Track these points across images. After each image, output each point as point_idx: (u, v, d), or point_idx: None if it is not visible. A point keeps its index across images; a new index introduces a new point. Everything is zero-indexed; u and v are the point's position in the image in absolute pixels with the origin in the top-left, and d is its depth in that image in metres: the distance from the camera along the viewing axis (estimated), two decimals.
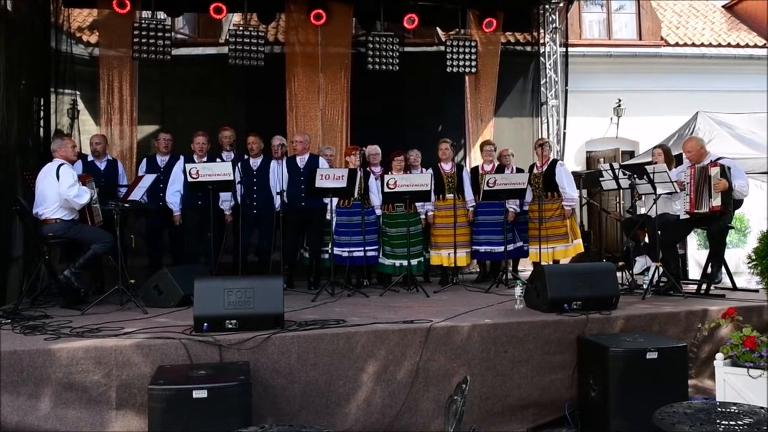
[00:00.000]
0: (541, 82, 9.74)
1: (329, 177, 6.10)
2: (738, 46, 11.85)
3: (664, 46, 11.68)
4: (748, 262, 5.27)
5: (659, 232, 5.93)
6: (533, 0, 9.47)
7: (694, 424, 2.63)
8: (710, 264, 6.07)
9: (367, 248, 6.76)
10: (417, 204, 6.88)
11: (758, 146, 8.11)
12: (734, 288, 6.04)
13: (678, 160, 6.63)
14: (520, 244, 7.41)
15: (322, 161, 6.96)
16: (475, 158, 8.83)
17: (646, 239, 6.74)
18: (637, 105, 11.06)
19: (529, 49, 9.86)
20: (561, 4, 9.50)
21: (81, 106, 8.56)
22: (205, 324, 4.17)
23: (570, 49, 9.80)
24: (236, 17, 9.00)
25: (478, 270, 7.82)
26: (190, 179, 6.07)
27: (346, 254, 6.80)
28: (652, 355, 4.17)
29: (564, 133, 9.65)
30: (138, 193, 6.04)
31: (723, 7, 13.32)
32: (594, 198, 9.43)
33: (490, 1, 9.13)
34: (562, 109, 9.63)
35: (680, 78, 11.27)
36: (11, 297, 5.99)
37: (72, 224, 5.60)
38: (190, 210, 6.70)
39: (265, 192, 6.89)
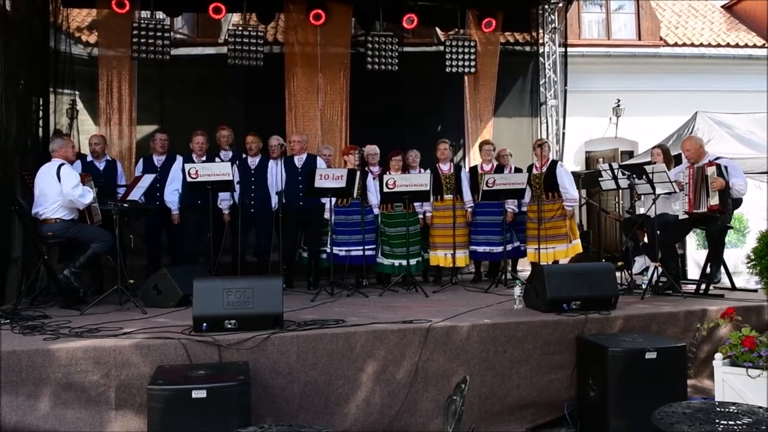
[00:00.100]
0: (541, 82, 9.74)
1: (328, 177, 6.10)
2: (737, 46, 11.85)
3: (663, 46, 11.68)
4: (747, 262, 5.26)
5: (658, 232, 5.93)
6: (532, 0, 9.47)
7: (693, 424, 2.63)
8: (709, 264, 6.07)
9: (367, 247, 6.76)
10: (415, 204, 6.88)
11: (757, 146, 8.12)
12: (733, 288, 6.05)
13: (677, 160, 6.63)
14: (517, 244, 7.42)
15: (320, 161, 6.96)
16: (474, 158, 8.84)
17: (645, 239, 6.74)
18: (636, 105, 11.06)
19: (528, 49, 9.86)
20: (560, 4, 9.51)
21: (80, 106, 8.56)
22: (205, 324, 4.18)
23: (569, 49, 9.80)
24: (235, 17, 8.99)
25: (474, 270, 7.80)
26: (189, 179, 6.07)
27: (343, 253, 6.80)
28: (651, 355, 4.17)
29: (563, 133, 9.65)
30: (137, 193, 6.04)
31: (722, 7, 13.33)
32: (593, 198, 9.43)
33: (490, 1, 9.13)
34: (562, 109, 9.64)
35: (679, 78, 11.28)
36: (10, 297, 5.98)
37: (72, 224, 5.60)
38: (188, 209, 6.69)
39: (262, 192, 6.90)
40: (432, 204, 7.08)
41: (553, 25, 9.59)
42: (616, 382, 4.14)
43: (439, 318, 4.62)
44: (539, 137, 9.22)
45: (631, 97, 11.07)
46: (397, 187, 6.31)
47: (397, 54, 8.61)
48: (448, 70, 8.91)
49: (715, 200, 5.65)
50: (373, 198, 6.93)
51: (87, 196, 5.55)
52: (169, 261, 6.95)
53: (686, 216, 5.92)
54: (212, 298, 4.24)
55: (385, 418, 4.23)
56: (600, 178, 6.72)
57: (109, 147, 7.68)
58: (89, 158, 6.86)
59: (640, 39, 11.69)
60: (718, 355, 4.30)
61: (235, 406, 3.46)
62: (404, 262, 6.81)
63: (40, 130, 7.53)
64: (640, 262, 7.08)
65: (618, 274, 5.88)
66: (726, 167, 5.76)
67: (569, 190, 7.29)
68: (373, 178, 6.99)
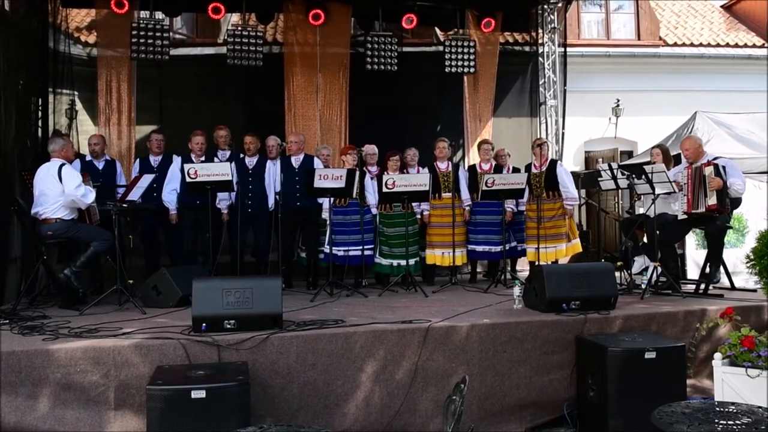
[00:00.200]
0: (540, 82, 9.74)
1: (328, 177, 6.10)
2: (736, 46, 11.85)
3: (662, 46, 11.69)
4: (747, 262, 5.27)
5: (657, 232, 5.94)
6: (532, 0, 9.47)
7: (692, 424, 2.63)
8: (709, 264, 6.07)
9: (365, 247, 6.75)
10: (413, 203, 6.88)
11: (757, 146, 8.12)
12: (732, 288, 6.04)
13: (676, 160, 6.63)
14: (514, 244, 7.41)
15: (317, 161, 6.96)
16: (473, 158, 8.83)
17: (645, 239, 6.74)
18: (635, 105, 11.06)
19: (527, 49, 9.86)
20: (559, 4, 9.50)
21: (79, 106, 8.55)
22: (204, 324, 4.17)
23: (568, 49, 9.79)
24: (234, 17, 8.99)
25: (470, 270, 7.80)
26: (188, 179, 6.07)
27: (342, 253, 6.79)
28: (650, 355, 4.17)
29: (562, 133, 9.65)
30: (136, 194, 6.04)
31: (721, 7, 13.33)
32: (592, 198, 9.43)
33: (489, 2, 9.12)
34: (561, 109, 9.64)
35: (679, 78, 11.28)
36: (9, 297, 5.97)
37: (72, 224, 5.61)
38: (187, 209, 6.69)
39: (259, 192, 6.90)
40: (429, 202, 7.07)
41: (553, 25, 9.58)
42: (615, 382, 4.15)
43: (438, 318, 4.62)
44: (538, 137, 9.21)
45: (630, 97, 11.08)
46: (397, 187, 6.31)
47: (396, 54, 8.61)
48: (447, 70, 8.90)
49: (713, 200, 5.65)
50: (371, 198, 6.92)
51: (89, 195, 5.57)
52: (168, 261, 6.94)
53: (685, 216, 5.92)
54: (211, 298, 4.24)
55: (385, 418, 4.23)
56: (599, 178, 6.72)
57: (109, 147, 7.67)
58: (88, 158, 6.85)
59: (639, 39, 11.70)
60: (718, 355, 4.31)
61: (235, 407, 3.46)
62: (403, 262, 6.82)
63: (39, 130, 7.53)
64: (639, 262, 7.08)
65: (617, 274, 5.88)
66: (724, 167, 5.76)
67: (570, 189, 7.33)
68: (371, 178, 6.98)
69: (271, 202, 6.88)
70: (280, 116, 8.54)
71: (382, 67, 8.56)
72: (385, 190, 6.32)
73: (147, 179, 6.16)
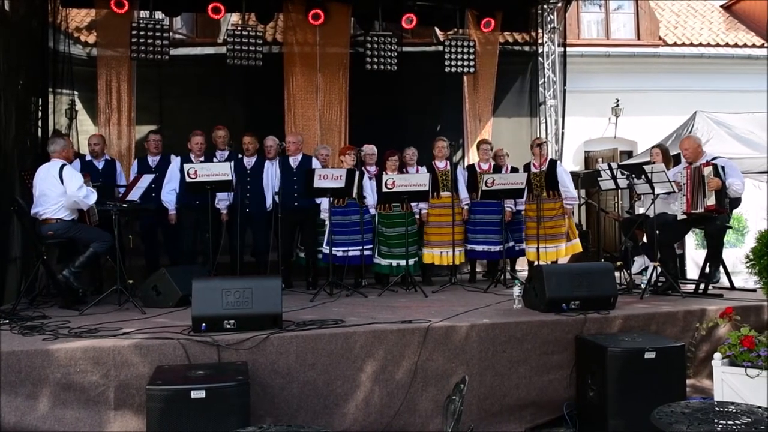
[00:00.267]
0: (540, 82, 9.74)
1: (327, 177, 6.10)
2: (736, 45, 11.85)
3: (662, 46, 11.69)
4: (746, 262, 5.27)
5: (657, 231, 5.94)
6: (531, 0, 9.47)
7: (691, 424, 2.63)
8: (708, 264, 6.07)
9: (364, 247, 6.75)
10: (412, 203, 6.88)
11: (756, 146, 8.13)
12: (732, 287, 6.05)
13: (676, 160, 6.64)
14: (511, 243, 7.40)
15: (315, 161, 6.96)
16: (473, 158, 8.83)
17: (644, 239, 6.75)
18: (635, 105, 11.06)
19: (527, 49, 9.86)
20: (559, 4, 9.50)
21: (79, 106, 8.56)
22: (204, 324, 4.17)
23: (568, 49, 9.79)
24: (234, 17, 8.99)
25: (469, 270, 7.80)
26: (188, 179, 6.07)
27: (341, 253, 6.78)
28: (650, 355, 4.17)
29: (562, 133, 9.65)
30: (136, 194, 6.04)
31: (721, 6, 13.33)
32: (592, 198, 9.44)
33: (489, 2, 9.13)
34: (561, 109, 9.64)
35: (678, 78, 11.28)
36: (9, 297, 5.97)
37: (72, 224, 5.61)
38: (186, 209, 6.69)
39: (258, 192, 6.90)
40: (428, 201, 7.05)
41: (552, 25, 9.59)
42: (615, 382, 4.15)
43: (438, 318, 4.62)
44: (537, 137, 9.21)
45: (630, 96, 11.08)
46: (397, 187, 6.31)
47: (396, 54, 8.61)
48: (447, 70, 8.90)
49: (711, 200, 5.65)
50: (370, 198, 6.92)
51: (91, 197, 5.57)
52: (168, 261, 6.94)
53: (685, 216, 5.92)
54: (211, 298, 4.24)
55: (384, 417, 4.23)
56: (599, 178, 6.72)
57: (108, 147, 7.67)
58: (88, 158, 6.85)
59: (639, 39, 11.70)
60: (717, 355, 4.31)
61: (234, 407, 3.46)
62: (402, 262, 6.82)
63: (39, 130, 7.53)
64: (639, 261, 7.09)
65: (617, 273, 5.88)
66: (723, 167, 5.76)
67: (570, 188, 7.36)
68: (370, 179, 6.97)
69: (269, 202, 6.89)
70: (279, 116, 8.54)
71: (382, 67, 8.57)
72: (385, 190, 6.32)
73: (147, 179, 6.17)
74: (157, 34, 7.91)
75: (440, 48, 9.17)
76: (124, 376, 3.88)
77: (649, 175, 5.83)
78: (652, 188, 5.85)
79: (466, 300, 5.77)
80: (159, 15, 8.24)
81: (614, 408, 4.15)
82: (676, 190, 5.87)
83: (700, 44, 11.78)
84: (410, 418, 4.29)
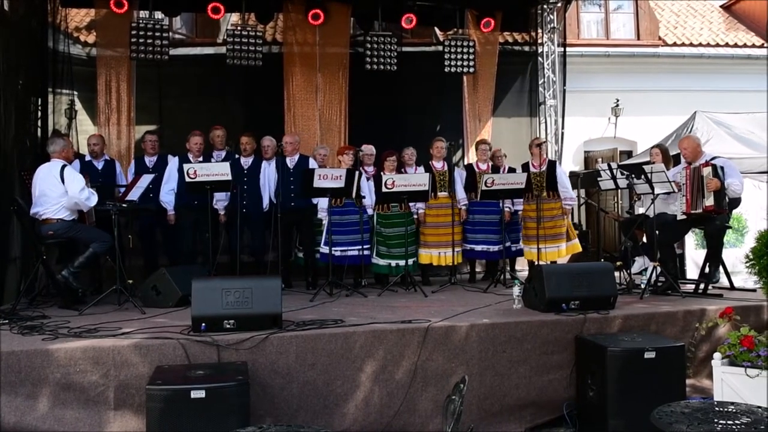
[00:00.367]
0: (539, 82, 9.75)
1: (327, 177, 6.10)
2: (736, 45, 11.86)
3: (662, 46, 11.69)
4: (746, 262, 5.27)
5: (657, 231, 5.94)
6: (531, 0, 9.47)
7: (691, 424, 2.63)
8: (708, 263, 6.08)
9: (361, 247, 6.74)
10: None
11: (756, 146, 8.13)
12: (732, 287, 6.05)
13: (676, 160, 6.64)
14: (508, 243, 7.40)
15: (312, 162, 6.96)
16: (472, 158, 8.83)
17: (644, 239, 6.75)
18: (635, 105, 11.07)
19: (527, 49, 9.86)
20: (559, 4, 9.51)
21: (78, 106, 8.55)
22: (203, 324, 4.17)
23: (568, 48, 9.80)
24: (234, 17, 8.99)
25: (469, 270, 7.79)
26: (187, 179, 6.07)
27: (339, 253, 6.77)
28: (650, 355, 4.17)
29: (562, 133, 9.66)
30: (136, 194, 6.04)
31: (721, 6, 13.33)
32: (592, 198, 9.44)
33: (488, 1, 9.13)
34: (560, 109, 9.64)
35: (678, 78, 11.28)
36: (9, 297, 5.97)
37: (72, 224, 5.62)
38: (185, 209, 6.68)
39: (255, 192, 6.89)
40: (428, 201, 7.05)
41: (552, 25, 9.59)
42: (614, 382, 4.15)
43: (438, 318, 4.62)
44: (537, 136, 9.21)
45: (629, 96, 11.08)
46: (396, 187, 6.31)
47: (395, 54, 8.61)
48: (446, 70, 8.90)
49: (710, 201, 5.65)
50: (368, 198, 6.91)
51: (92, 198, 5.58)
52: (167, 261, 6.94)
53: (684, 216, 5.92)
54: (211, 298, 4.23)
55: (384, 417, 4.23)
56: (599, 178, 6.73)
57: (108, 147, 7.67)
58: (88, 158, 6.85)
59: (638, 39, 11.70)
60: (717, 355, 4.31)
61: (234, 407, 3.46)
62: (401, 262, 6.82)
63: (39, 130, 7.53)
64: (639, 261, 7.09)
65: (617, 273, 5.88)
66: (722, 167, 5.76)
67: (569, 189, 7.40)
68: (367, 179, 6.96)
69: (265, 202, 6.89)
70: (279, 116, 8.54)
71: (382, 67, 8.57)
72: (385, 189, 6.32)
73: (146, 179, 6.16)
74: (157, 34, 7.91)
75: (440, 48, 9.17)
76: (123, 376, 3.88)
77: (649, 175, 5.83)
78: (652, 188, 5.85)
79: (465, 300, 5.77)
80: (158, 15, 8.24)
81: (614, 408, 4.15)
82: (676, 190, 5.87)
83: (700, 44, 11.78)
84: (410, 418, 4.28)
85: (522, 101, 9.89)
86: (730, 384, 4.17)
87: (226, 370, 3.77)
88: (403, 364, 4.30)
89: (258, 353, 4.06)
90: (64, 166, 5.55)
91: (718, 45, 11.81)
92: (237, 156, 7.00)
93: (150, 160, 7.01)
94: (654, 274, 5.93)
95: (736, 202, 6.08)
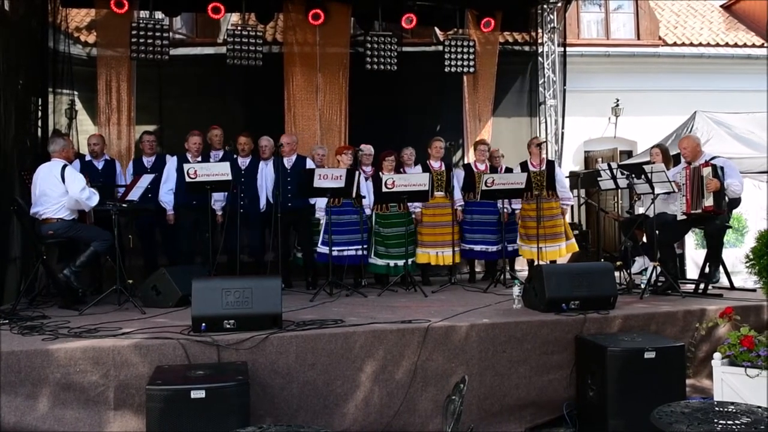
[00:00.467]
0: (539, 82, 9.75)
1: (328, 177, 6.10)
2: (736, 45, 11.86)
3: (662, 45, 11.70)
4: (746, 262, 5.27)
5: (657, 231, 5.94)
6: (531, 0, 9.47)
7: (691, 424, 2.63)
8: (708, 263, 6.07)
9: (358, 247, 6.74)
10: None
11: (756, 146, 8.13)
12: (732, 287, 6.05)
13: (676, 160, 6.64)
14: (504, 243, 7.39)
15: (309, 162, 6.96)
16: (472, 158, 8.83)
17: (644, 239, 6.75)
18: (635, 105, 11.07)
19: (527, 48, 9.86)
20: (559, 4, 9.50)
21: (79, 106, 8.55)
22: (203, 324, 4.17)
23: (568, 48, 9.80)
24: (234, 17, 8.98)
25: (469, 270, 7.79)
26: (188, 179, 6.07)
27: (335, 253, 6.75)
28: (650, 355, 4.17)
29: (562, 133, 9.66)
30: (136, 193, 6.04)
31: (721, 6, 13.34)
32: (592, 198, 9.44)
33: (489, 1, 9.13)
34: (560, 109, 9.64)
35: (678, 78, 11.29)
36: (9, 297, 5.97)
37: (72, 224, 5.62)
38: (184, 209, 6.68)
39: (252, 192, 6.89)
40: (428, 201, 7.03)
41: (552, 25, 9.59)
42: (614, 382, 4.15)
43: (437, 318, 4.62)
44: (536, 136, 9.20)
45: (630, 96, 11.08)
46: (397, 187, 6.31)
47: (396, 54, 8.61)
48: (447, 69, 8.90)
49: (709, 201, 5.66)
50: (366, 198, 6.91)
51: (93, 198, 5.57)
52: (166, 261, 6.94)
53: (684, 217, 5.92)
54: (211, 298, 4.23)
55: (384, 417, 4.23)
56: (599, 178, 6.73)
57: (108, 147, 7.67)
58: (88, 158, 6.85)
59: (639, 39, 11.71)
60: (717, 355, 4.31)
61: (234, 407, 3.46)
62: (399, 262, 6.82)
63: (39, 130, 7.54)
64: (639, 261, 7.09)
65: (617, 273, 5.89)
66: (722, 168, 5.76)
67: (567, 189, 7.42)
68: (366, 179, 6.96)
69: (263, 202, 6.89)
70: (279, 116, 8.54)
71: (382, 66, 8.57)
72: (385, 189, 6.32)
73: (146, 179, 6.16)
74: (157, 34, 7.91)
75: (440, 48, 9.17)
76: (123, 376, 3.88)
77: (649, 175, 5.83)
78: (652, 188, 5.85)
79: (465, 300, 5.77)
80: (159, 15, 8.24)
81: (614, 408, 4.15)
82: (676, 190, 5.87)
83: (700, 44, 11.78)
84: (410, 418, 4.29)
85: (522, 101, 9.89)
86: (730, 384, 4.17)
87: (226, 370, 3.77)
88: (403, 364, 4.30)
89: (258, 353, 4.06)
90: (64, 166, 5.56)
91: (718, 45, 11.81)
92: (234, 156, 7.00)
93: (148, 161, 7.01)
94: (654, 274, 5.93)
95: (736, 202, 6.08)
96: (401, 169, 7.09)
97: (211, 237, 6.26)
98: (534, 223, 7.14)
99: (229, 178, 6.10)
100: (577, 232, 9.20)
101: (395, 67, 8.59)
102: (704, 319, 4.92)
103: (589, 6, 11.90)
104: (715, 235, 6.03)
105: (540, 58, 9.70)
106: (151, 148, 7.05)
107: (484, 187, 6.55)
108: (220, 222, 6.79)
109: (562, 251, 7.34)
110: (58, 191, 5.49)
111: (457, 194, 7.21)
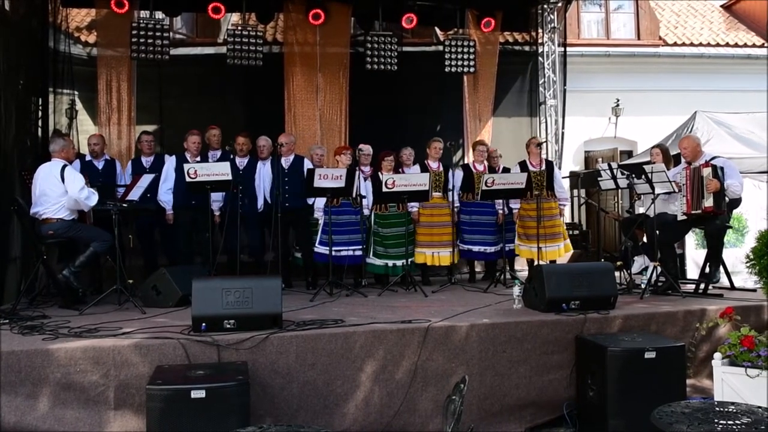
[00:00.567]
0: (540, 82, 9.75)
1: (328, 177, 6.10)
2: (736, 45, 11.86)
3: (662, 45, 11.70)
4: (746, 262, 5.27)
5: (657, 231, 5.94)
6: (531, 0, 9.47)
7: (691, 424, 2.63)
8: (708, 263, 6.07)
9: (355, 248, 6.73)
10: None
11: (756, 146, 8.12)
12: (732, 287, 6.05)
13: (676, 160, 6.64)
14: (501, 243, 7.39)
15: (307, 162, 6.95)
16: (472, 158, 8.83)
17: (644, 239, 6.75)
18: (635, 105, 11.07)
19: (527, 48, 9.88)
20: (559, 4, 9.51)
21: (79, 105, 8.57)
22: (204, 324, 4.17)
23: (568, 48, 9.81)
24: (234, 17, 9.00)
25: (469, 270, 7.79)
26: (188, 179, 6.07)
27: (334, 253, 6.74)
28: (650, 355, 4.17)
29: (562, 133, 9.67)
30: (136, 193, 6.04)
31: (721, 6, 13.34)
32: (592, 198, 9.44)
33: (489, 1, 9.13)
34: (561, 109, 9.65)
35: (678, 78, 11.29)
36: (9, 297, 5.98)
37: (72, 223, 5.62)
38: (184, 209, 6.68)
39: (250, 192, 6.89)
40: (427, 201, 7.02)
41: (553, 25, 9.59)
42: (615, 382, 4.14)
43: (438, 318, 4.62)
44: (535, 136, 9.20)
45: (630, 96, 11.09)
46: (397, 187, 6.30)
47: (396, 54, 8.62)
48: (447, 69, 8.91)
49: (709, 202, 5.65)
50: (364, 198, 6.90)
51: (92, 198, 5.57)
52: (166, 261, 6.93)
53: (684, 217, 5.92)
54: (211, 298, 4.23)
55: (384, 417, 4.23)
56: (599, 178, 6.73)
57: (109, 147, 7.68)
58: (88, 158, 6.85)
59: (639, 39, 11.72)
60: (717, 355, 4.31)
61: (234, 406, 3.46)
62: (398, 262, 6.82)
63: (39, 130, 7.54)
64: (639, 261, 7.09)
65: (617, 273, 5.88)
66: (722, 168, 5.76)
67: (564, 189, 7.43)
68: (364, 179, 6.95)
69: (260, 202, 6.89)
70: (279, 116, 8.55)
71: (382, 66, 8.57)
72: (385, 189, 6.31)
73: (147, 179, 6.15)
74: (158, 33, 7.92)
75: (440, 48, 9.18)
76: (124, 376, 3.88)
77: (649, 175, 5.83)
78: (652, 188, 5.85)
79: (465, 300, 5.77)
80: (159, 15, 8.25)
81: (614, 408, 4.14)
82: (676, 190, 5.87)
83: (700, 44, 11.79)
84: (410, 418, 4.28)
85: (522, 101, 9.90)
86: (731, 384, 4.17)
87: (226, 370, 3.77)
88: (403, 364, 4.30)
89: (258, 353, 4.06)
90: (64, 166, 5.56)
91: (718, 45, 11.82)
92: (232, 156, 7.00)
93: (147, 161, 7.00)
94: (654, 274, 5.93)
95: (736, 202, 6.08)
96: (400, 169, 7.09)
97: (211, 237, 6.26)
98: (533, 223, 7.13)
99: (230, 178, 6.09)
100: (577, 232, 9.21)
101: (395, 67, 8.60)
102: (704, 319, 4.92)
103: (589, 6, 11.91)
104: (716, 236, 6.02)
105: (540, 58, 9.70)
106: (150, 147, 7.05)
107: (484, 188, 6.54)
108: (217, 222, 6.79)
109: (561, 251, 7.35)
110: (57, 191, 5.49)
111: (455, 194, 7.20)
